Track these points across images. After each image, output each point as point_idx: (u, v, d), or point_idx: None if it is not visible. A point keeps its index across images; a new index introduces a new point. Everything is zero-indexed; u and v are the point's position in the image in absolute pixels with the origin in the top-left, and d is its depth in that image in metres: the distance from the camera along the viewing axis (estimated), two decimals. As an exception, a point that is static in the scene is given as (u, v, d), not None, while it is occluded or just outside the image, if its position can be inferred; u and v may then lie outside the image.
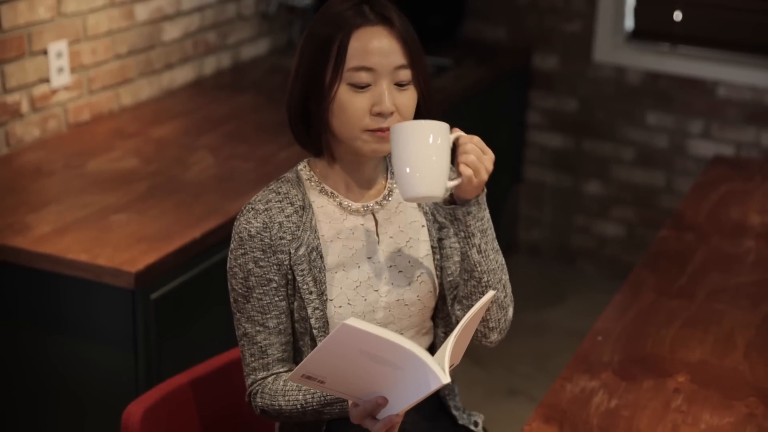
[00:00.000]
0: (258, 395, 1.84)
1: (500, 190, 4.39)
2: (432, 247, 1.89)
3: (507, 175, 4.42)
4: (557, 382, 2.08)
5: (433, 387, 1.55)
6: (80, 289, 2.41)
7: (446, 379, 1.53)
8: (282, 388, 1.81)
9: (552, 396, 2.03)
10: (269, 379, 1.84)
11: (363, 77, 1.74)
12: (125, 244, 2.44)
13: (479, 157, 1.73)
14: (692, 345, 2.24)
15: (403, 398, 1.61)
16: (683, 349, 2.23)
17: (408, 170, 1.66)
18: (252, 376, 1.85)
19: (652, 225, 4.23)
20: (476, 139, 1.74)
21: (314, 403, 1.78)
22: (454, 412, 1.97)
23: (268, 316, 1.82)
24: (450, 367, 1.65)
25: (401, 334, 1.86)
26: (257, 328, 1.82)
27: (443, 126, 1.67)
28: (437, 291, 1.89)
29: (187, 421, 2.10)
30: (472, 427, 2.01)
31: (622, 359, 2.18)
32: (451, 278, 1.88)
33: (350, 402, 1.69)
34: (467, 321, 1.63)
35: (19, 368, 2.54)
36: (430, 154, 1.66)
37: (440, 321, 1.91)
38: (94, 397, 2.47)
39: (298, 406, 1.79)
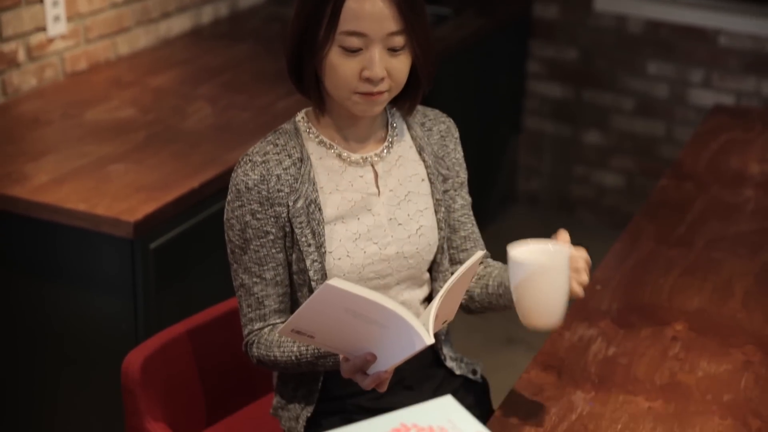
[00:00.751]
0: (254, 345, 1.85)
1: (500, 140, 4.38)
2: (435, 200, 1.89)
3: (506, 125, 4.40)
4: (556, 331, 2.09)
5: (418, 347, 1.56)
6: (79, 238, 2.41)
7: (429, 340, 1.54)
8: (277, 339, 1.82)
9: (550, 344, 2.04)
10: (265, 329, 1.84)
11: (354, 42, 1.71)
12: (124, 194, 2.43)
13: (588, 273, 1.73)
14: (690, 293, 2.24)
15: (391, 356, 1.62)
16: (681, 297, 2.23)
17: (533, 305, 1.66)
18: (249, 327, 1.85)
19: (652, 175, 4.22)
20: (585, 254, 1.73)
21: (308, 356, 1.79)
22: (450, 363, 1.98)
23: (265, 267, 1.82)
24: (444, 323, 1.66)
25: (398, 285, 1.86)
26: (254, 279, 1.82)
27: (564, 261, 1.65)
28: (437, 244, 1.89)
29: (186, 369, 2.11)
30: (471, 376, 2.01)
31: (620, 308, 2.18)
32: (452, 233, 1.89)
33: (341, 356, 1.70)
34: (454, 281, 1.63)
35: (18, 318, 2.55)
36: (556, 291, 1.66)
37: (438, 274, 1.91)
38: (93, 346, 2.48)
39: (293, 358, 1.80)
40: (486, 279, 1.89)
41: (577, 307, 2.17)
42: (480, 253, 1.68)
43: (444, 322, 1.71)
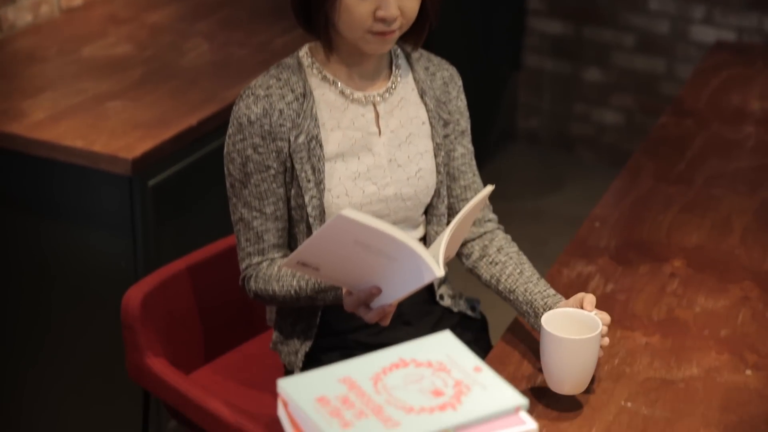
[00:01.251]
0: (252, 279, 1.85)
1: (499, 77, 4.35)
2: (436, 144, 1.88)
3: (506, 63, 4.37)
4: (554, 267, 2.09)
5: (427, 279, 1.56)
6: (77, 176, 2.40)
7: (440, 272, 1.54)
8: (276, 273, 1.82)
9: (549, 280, 2.04)
10: (264, 264, 1.84)
11: None
12: (121, 131, 2.42)
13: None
14: (689, 230, 2.25)
15: (397, 289, 1.62)
16: (680, 234, 2.23)
17: (564, 376, 1.66)
18: (246, 261, 1.85)
19: (652, 112, 4.21)
20: (607, 318, 1.74)
21: (308, 290, 1.79)
22: (448, 301, 1.98)
23: (266, 202, 1.81)
24: (445, 260, 1.65)
25: (394, 226, 1.86)
26: (254, 213, 1.82)
27: (599, 336, 1.66)
28: (434, 188, 1.89)
29: (186, 306, 2.12)
30: (469, 312, 2.02)
31: (619, 244, 2.19)
32: (453, 178, 1.89)
33: (344, 290, 1.70)
34: (464, 215, 1.63)
35: (17, 257, 2.55)
36: (588, 364, 1.66)
37: (433, 218, 1.91)
38: (93, 284, 2.49)
39: (292, 292, 1.80)
40: (498, 274, 1.89)
41: (575, 244, 2.17)
42: (489, 188, 1.68)
43: (446, 258, 1.72)
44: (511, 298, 1.86)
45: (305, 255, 1.60)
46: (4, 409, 2.73)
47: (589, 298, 1.72)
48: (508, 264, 1.89)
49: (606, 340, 1.71)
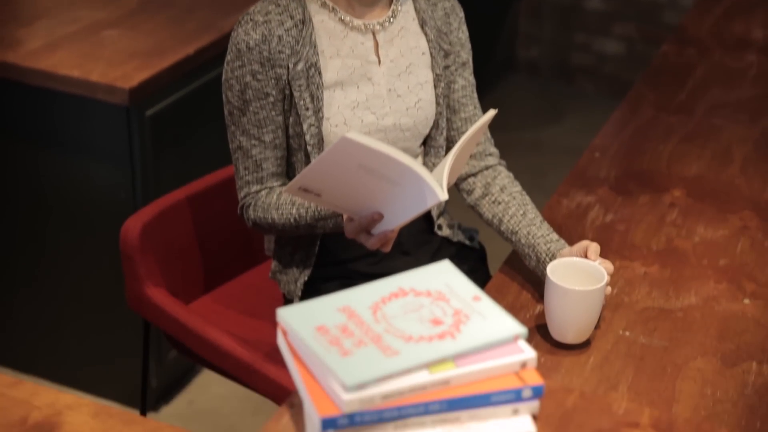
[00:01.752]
0: (251, 208, 1.85)
1: (500, 6, 4.31)
2: (435, 74, 1.86)
3: (506, -9, 4.33)
4: (553, 198, 2.09)
5: (430, 203, 1.54)
6: (74, 105, 2.39)
7: (444, 195, 1.53)
8: (275, 201, 1.82)
9: (548, 211, 2.04)
10: (262, 192, 1.84)
11: None
12: (118, 60, 2.40)
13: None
14: (689, 160, 2.24)
15: (399, 214, 1.61)
16: (680, 164, 2.22)
17: (567, 325, 1.65)
18: (245, 189, 1.85)
19: (654, 41, 4.17)
20: (611, 268, 1.73)
21: (308, 218, 1.79)
22: (447, 231, 1.98)
23: (265, 130, 1.80)
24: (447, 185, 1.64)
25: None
26: (252, 141, 1.81)
27: (604, 286, 1.65)
28: (433, 119, 1.87)
29: (185, 236, 2.12)
30: (468, 242, 2.02)
31: (618, 175, 2.18)
32: (452, 110, 1.88)
33: (345, 217, 1.69)
34: (467, 140, 1.62)
35: (15, 187, 2.55)
36: (592, 313, 1.65)
37: (431, 149, 1.90)
38: (92, 214, 2.49)
39: (291, 220, 1.80)
40: (500, 214, 1.88)
41: (575, 175, 2.17)
42: (491, 113, 1.66)
43: (448, 184, 1.71)
44: (513, 239, 1.85)
45: (308, 180, 1.59)
46: (4, 342, 2.75)
47: (594, 247, 1.72)
48: (511, 204, 1.88)
49: (609, 290, 1.72)
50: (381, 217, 1.63)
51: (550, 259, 1.77)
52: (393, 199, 1.59)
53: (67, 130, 2.44)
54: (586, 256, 1.71)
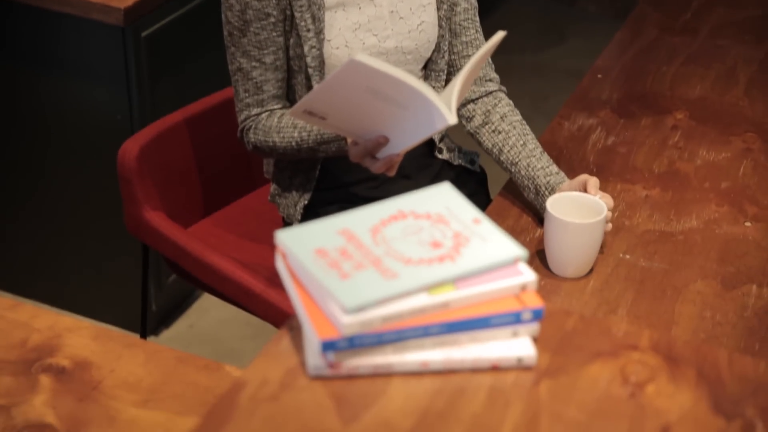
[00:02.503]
0: (251, 131, 1.83)
1: (501, -75, 4.23)
2: None
3: None
4: (555, 120, 2.07)
5: (438, 126, 1.52)
6: (69, 26, 2.35)
7: (452, 119, 1.51)
8: (277, 124, 1.80)
9: (549, 134, 2.03)
10: (263, 115, 1.82)
11: None
12: (113, -20, 2.36)
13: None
14: (693, 81, 2.21)
15: (406, 138, 1.59)
16: (684, 85, 2.20)
17: (567, 259, 1.64)
18: (245, 112, 1.83)
19: (657, -38, 4.11)
20: (611, 203, 1.71)
21: (310, 141, 1.77)
22: (448, 154, 1.97)
23: (265, 51, 1.78)
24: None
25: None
26: (253, 63, 1.79)
27: (603, 219, 1.63)
28: (435, 42, 1.85)
29: (183, 159, 2.11)
30: (468, 166, 2.01)
31: (621, 97, 2.16)
32: (455, 34, 1.85)
33: (350, 140, 1.68)
34: (475, 62, 1.59)
35: (11, 109, 2.52)
36: (592, 247, 1.65)
37: (432, 73, 1.88)
38: (89, 137, 2.47)
39: (293, 144, 1.78)
40: (501, 144, 1.86)
41: (577, 97, 2.15)
42: (500, 34, 1.64)
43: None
44: (513, 170, 1.83)
45: (313, 103, 1.57)
46: (2, 266, 2.75)
47: (593, 182, 1.70)
48: (512, 134, 1.86)
49: (609, 226, 1.70)
50: (386, 140, 1.61)
51: (550, 193, 1.76)
52: (400, 123, 1.57)
53: (61, 50, 2.41)
54: (585, 190, 1.70)
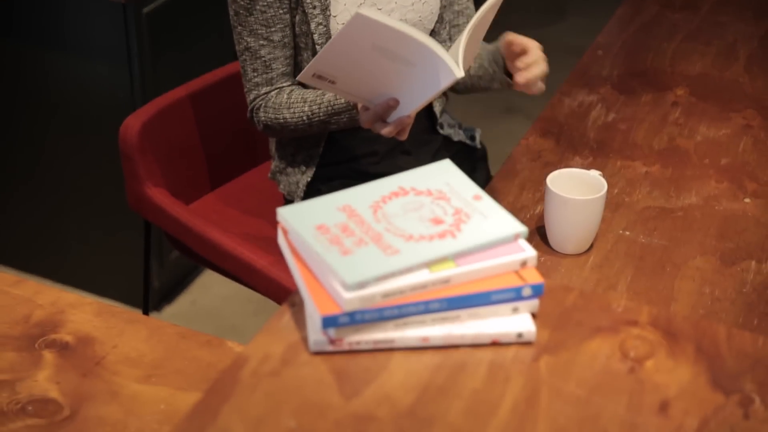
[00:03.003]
0: (261, 110, 1.83)
1: None
2: None
3: None
4: (555, 97, 2.07)
5: (444, 82, 1.51)
6: (70, 3, 2.35)
7: (459, 72, 1.50)
8: (287, 100, 1.80)
9: (550, 110, 2.03)
10: (272, 93, 1.82)
11: None
12: (113, -43, 2.36)
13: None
14: (693, 58, 2.21)
15: (415, 97, 1.58)
16: (684, 62, 2.20)
17: (568, 235, 1.64)
18: (255, 92, 1.83)
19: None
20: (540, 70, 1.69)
21: (321, 114, 1.77)
22: (448, 130, 1.97)
23: (273, 29, 1.77)
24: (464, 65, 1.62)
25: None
26: (261, 42, 1.78)
27: (604, 195, 1.63)
28: (438, 13, 1.84)
29: (185, 135, 2.11)
30: (469, 142, 2.01)
31: (621, 73, 2.16)
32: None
33: (360, 106, 1.68)
34: (480, 17, 1.58)
35: (14, 85, 2.52)
36: (593, 223, 1.65)
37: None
38: (91, 113, 2.47)
39: (304, 118, 1.78)
40: (473, 71, 1.86)
41: (577, 73, 2.15)
42: None
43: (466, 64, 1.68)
44: (482, 73, 1.84)
45: (322, 65, 1.56)
46: (5, 241, 2.76)
47: (511, 37, 1.69)
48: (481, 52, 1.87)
49: (541, 87, 1.71)
50: (396, 103, 1.61)
51: (500, 47, 1.75)
52: (408, 82, 1.56)
53: (63, 27, 2.40)
54: (518, 52, 1.68)
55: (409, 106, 1.59)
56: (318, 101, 1.76)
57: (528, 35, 1.72)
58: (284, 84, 1.82)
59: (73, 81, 2.45)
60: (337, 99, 1.73)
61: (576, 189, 1.66)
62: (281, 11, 1.76)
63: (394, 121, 1.63)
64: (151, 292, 2.61)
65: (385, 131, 1.64)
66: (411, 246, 1.22)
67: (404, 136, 1.66)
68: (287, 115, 1.79)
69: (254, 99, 1.83)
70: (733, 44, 2.26)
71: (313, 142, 1.89)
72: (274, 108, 1.81)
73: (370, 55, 1.52)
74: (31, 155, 2.60)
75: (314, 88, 1.78)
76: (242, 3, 1.76)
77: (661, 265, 1.63)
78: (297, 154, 1.91)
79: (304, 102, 1.77)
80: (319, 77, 1.58)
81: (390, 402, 1.09)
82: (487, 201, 1.30)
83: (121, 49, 2.35)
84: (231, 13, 1.79)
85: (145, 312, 2.29)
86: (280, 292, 1.85)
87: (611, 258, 1.65)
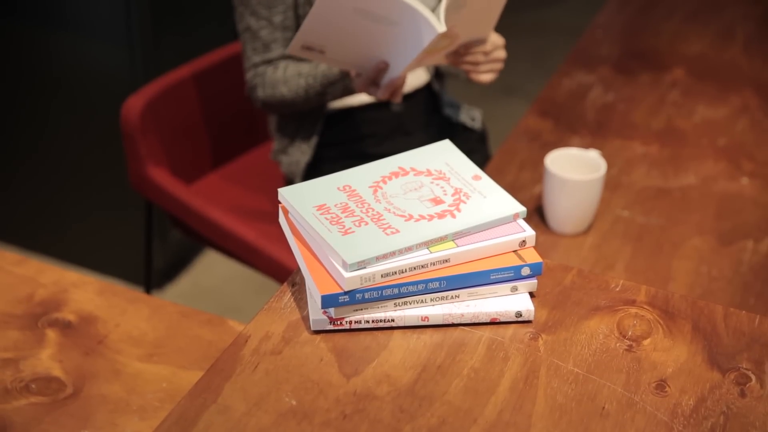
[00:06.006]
0: (259, 87, 1.84)
1: None
2: None
3: None
4: (554, 77, 2.08)
5: (428, 37, 1.53)
6: (70, -17, 2.35)
7: (441, 27, 1.52)
8: (282, 75, 1.81)
9: (549, 90, 2.03)
10: (269, 70, 1.83)
11: None
12: (113, -63, 2.35)
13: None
14: (692, 38, 2.22)
15: (403, 57, 1.60)
16: (683, 42, 2.20)
17: (568, 216, 1.65)
18: (253, 71, 1.83)
19: None
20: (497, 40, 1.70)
21: (317, 85, 1.78)
22: (448, 111, 1.97)
23: (274, 11, 1.78)
24: (480, 39, 1.63)
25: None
26: (261, 23, 1.79)
27: (603, 174, 1.64)
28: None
29: (186, 115, 2.12)
30: (469, 122, 2.02)
31: (620, 54, 2.16)
32: None
33: (353, 73, 1.69)
34: None
35: (16, 64, 2.52)
36: (592, 203, 1.66)
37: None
38: (93, 93, 2.47)
39: (301, 91, 1.79)
40: None
41: (576, 54, 2.15)
42: None
43: (481, 38, 1.68)
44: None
45: (307, 34, 1.58)
46: (8, 220, 2.77)
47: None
48: None
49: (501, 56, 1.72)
50: (386, 65, 1.63)
51: None
52: (394, 42, 1.58)
53: (65, 6, 2.40)
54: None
55: (399, 67, 1.62)
56: (312, 73, 1.77)
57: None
58: (282, 65, 1.83)
59: (75, 60, 2.45)
60: (330, 70, 1.74)
61: (575, 169, 1.66)
62: (283, -7, 1.77)
63: (386, 84, 1.64)
64: (153, 271, 2.62)
65: (379, 94, 1.66)
66: (411, 226, 1.22)
67: (398, 99, 1.68)
68: (284, 91, 1.80)
69: (252, 77, 1.84)
70: (732, 25, 2.27)
71: (313, 120, 1.90)
72: (271, 84, 1.81)
73: (353, 19, 1.54)
74: (34, 134, 2.61)
75: (308, 62, 1.79)
76: (244, -17, 1.77)
77: (658, 245, 1.64)
78: (297, 133, 1.92)
79: (299, 75, 1.78)
80: (308, 48, 1.60)
81: (390, 380, 1.11)
82: (486, 181, 1.31)
83: (122, 29, 2.36)
84: (233, -8, 1.79)
85: (147, 291, 2.30)
86: (281, 271, 1.86)
87: (609, 238, 1.66)
